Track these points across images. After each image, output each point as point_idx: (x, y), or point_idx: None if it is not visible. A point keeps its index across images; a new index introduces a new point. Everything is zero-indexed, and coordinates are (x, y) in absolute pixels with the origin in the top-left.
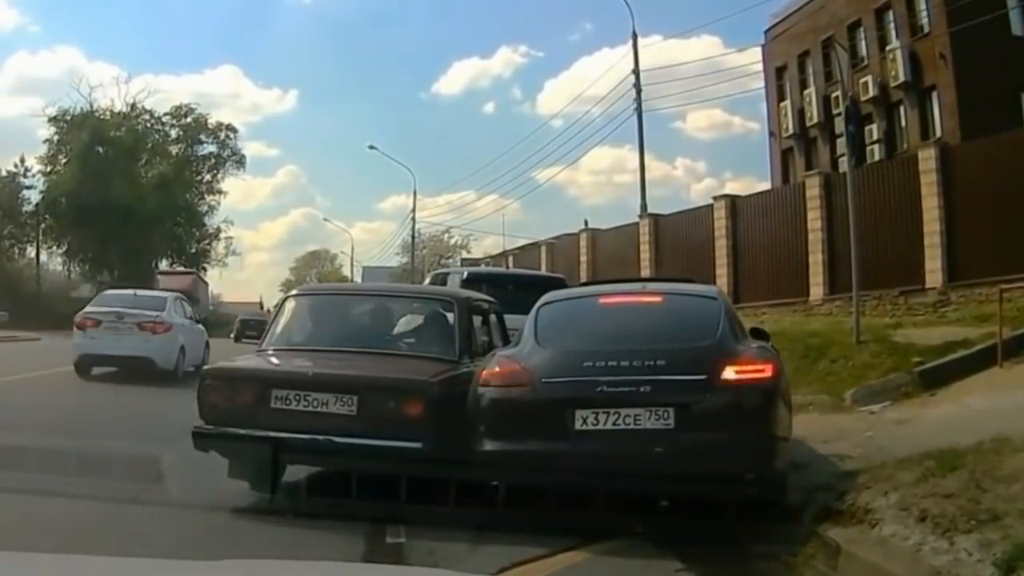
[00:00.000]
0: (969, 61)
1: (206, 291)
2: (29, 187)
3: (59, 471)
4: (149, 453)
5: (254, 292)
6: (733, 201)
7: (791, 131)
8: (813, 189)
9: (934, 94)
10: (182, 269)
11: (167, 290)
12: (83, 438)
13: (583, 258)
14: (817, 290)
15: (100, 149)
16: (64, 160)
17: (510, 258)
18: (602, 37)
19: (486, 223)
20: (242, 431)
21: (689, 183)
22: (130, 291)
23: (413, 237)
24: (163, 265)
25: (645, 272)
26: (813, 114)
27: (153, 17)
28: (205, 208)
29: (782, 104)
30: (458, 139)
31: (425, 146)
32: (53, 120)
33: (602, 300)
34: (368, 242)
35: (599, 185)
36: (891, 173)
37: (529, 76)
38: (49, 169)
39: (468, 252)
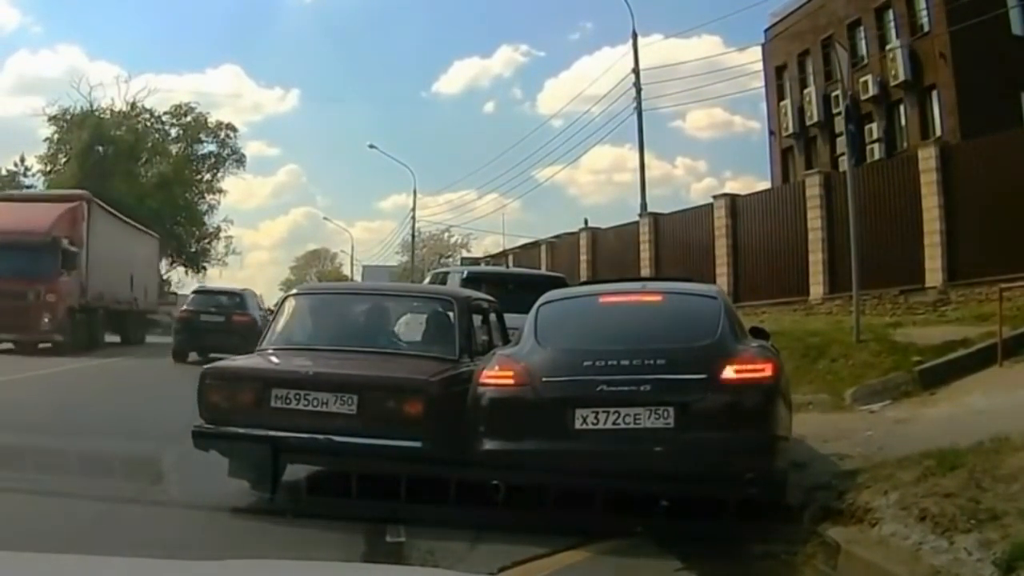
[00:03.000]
0: (969, 60)
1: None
2: (29, 186)
3: (59, 470)
4: (149, 452)
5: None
6: (733, 200)
7: (791, 130)
8: (813, 188)
9: (934, 93)
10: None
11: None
12: (84, 437)
13: (583, 257)
14: (817, 289)
15: (100, 148)
16: (64, 159)
17: (510, 257)
18: (602, 36)
19: (486, 222)
20: (242, 430)
21: (689, 182)
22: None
23: (413, 236)
24: (163, 264)
25: (645, 271)
26: (813, 113)
27: (155, 16)
28: (205, 207)
29: (782, 103)
30: (458, 138)
31: (425, 145)
32: (53, 119)
33: (602, 299)
34: (368, 241)
35: (599, 184)
36: (891, 172)
37: (529, 75)
38: (49, 168)
39: (468, 251)
